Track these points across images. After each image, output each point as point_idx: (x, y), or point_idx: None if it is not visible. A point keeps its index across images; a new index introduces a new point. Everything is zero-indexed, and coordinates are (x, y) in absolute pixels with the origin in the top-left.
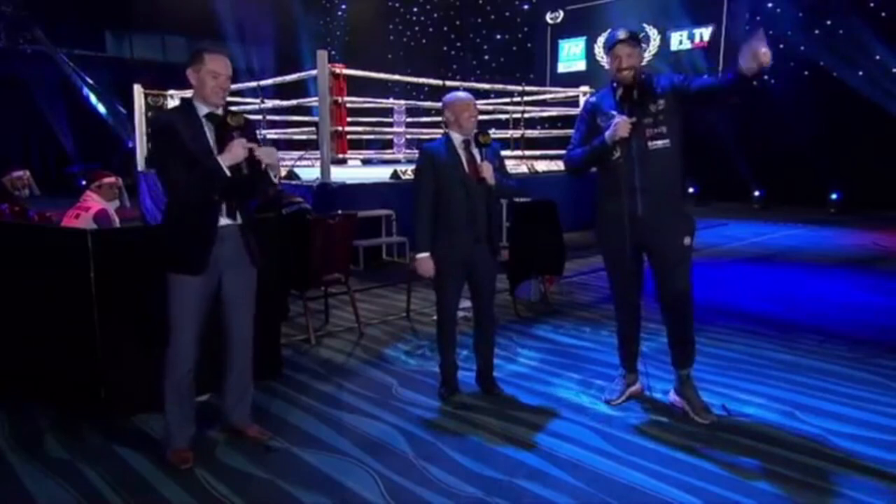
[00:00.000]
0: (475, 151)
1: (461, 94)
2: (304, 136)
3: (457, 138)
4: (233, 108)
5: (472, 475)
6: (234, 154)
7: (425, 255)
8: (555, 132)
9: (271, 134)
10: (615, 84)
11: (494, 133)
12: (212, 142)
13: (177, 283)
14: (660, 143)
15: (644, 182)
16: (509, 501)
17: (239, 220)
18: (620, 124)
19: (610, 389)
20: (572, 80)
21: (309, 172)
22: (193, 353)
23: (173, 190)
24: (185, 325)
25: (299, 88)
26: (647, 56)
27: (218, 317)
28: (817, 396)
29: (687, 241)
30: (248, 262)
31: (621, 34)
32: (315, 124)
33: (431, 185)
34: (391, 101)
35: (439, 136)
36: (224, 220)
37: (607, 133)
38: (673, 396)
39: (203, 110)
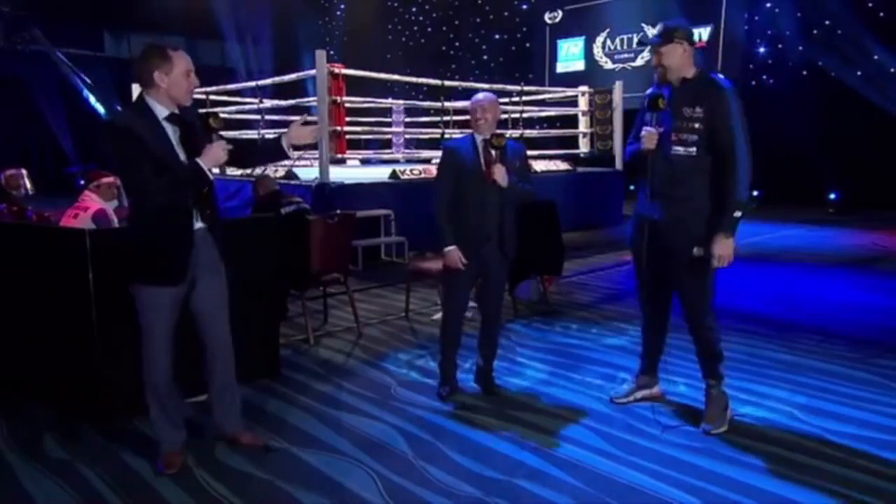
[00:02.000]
0: (492, 152)
1: (480, 95)
2: None
3: (478, 137)
4: (213, 110)
5: (472, 475)
6: (215, 157)
7: (452, 247)
8: (553, 132)
9: (270, 134)
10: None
11: None
12: (175, 144)
13: (149, 293)
14: (681, 149)
15: (661, 187)
16: (509, 501)
17: (207, 223)
18: (646, 137)
19: (618, 388)
20: (571, 79)
21: (308, 172)
22: (169, 361)
23: (145, 195)
24: (159, 335)
25: (298, 88)
26: (646, 56)
27: (195, 324)
28: (817, 396)
29: (697, 251)
30: (219, 265)
31: (655, 30)
32: (314, 124)
33: (451, 182)
34: (390, 100)
35: (437, 135)
36: (198, 224)
37: (641, 143)
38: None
39: (163, 112)
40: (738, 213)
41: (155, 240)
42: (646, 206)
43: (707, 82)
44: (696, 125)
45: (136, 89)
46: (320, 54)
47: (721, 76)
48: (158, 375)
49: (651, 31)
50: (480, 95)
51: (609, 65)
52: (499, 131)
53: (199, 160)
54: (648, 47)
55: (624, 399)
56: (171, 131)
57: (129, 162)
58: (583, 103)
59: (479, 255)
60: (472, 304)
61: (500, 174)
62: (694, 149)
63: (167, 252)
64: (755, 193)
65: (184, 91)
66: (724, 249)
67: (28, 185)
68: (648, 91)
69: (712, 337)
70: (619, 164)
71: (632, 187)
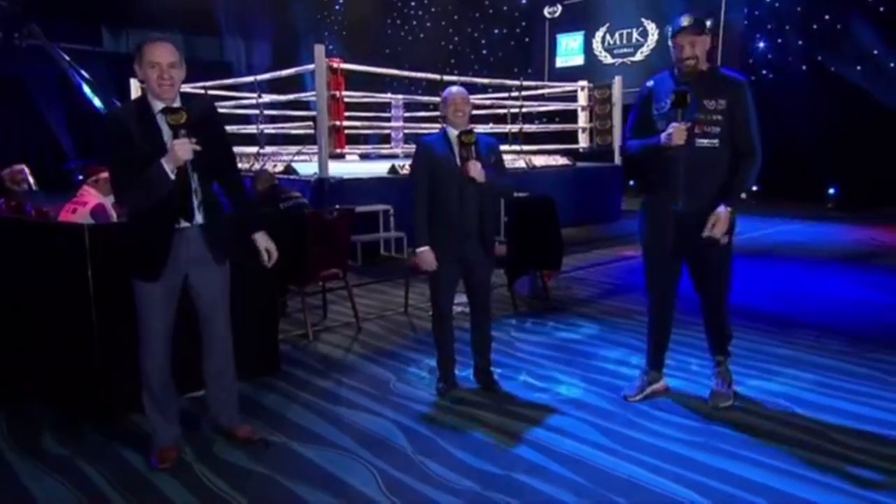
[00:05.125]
0: (466, 148)
1: (454, 88)
2: (301, 131)
3: (452, 133)
4: (176, 105)
5: (471, 470)
6: (175, 156)
7: (425, 248)
8: (553, 127)
9: (269, 129)
10: (676, 70)
11: (492, 128)
12: (167, 140)
13: (141, 285)
14: (706, 141)
15: (687, 179)
16: (508, 496)
17: (200, 220)
18: (675, 133)
19: (630, 386)
20: (570, 74)
21: (307, 167)
22: (163, 354)
23: (119, 196)
24: (150, 327)
25: (297, 83)
26: (645, 51)
27: (196, 317)
28: (816, 391)
29: (724, 240)
30: (217, 260)
31: (684, 21)
32: (313, 119)
33: (426, 179)
34: (389, 95)
35: (436, 130)
36: (184, 223)
37: (663, 137)
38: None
39: (157, 105)
40: (743, 196)
41: (136, 236)
42: (665, 197)
43: (723, 76)
44: (719, 117)
45: (134, 84)
46: (319, 49)
47: (730, 70)
48: (152, 369)
49: (651, 26)
50: (455, 89)
51: (608, 60)
52: (468, 127)
53: (162, 160)
54: (668, 39)
55: (639, 396)
56: (166, 126)
57: (112, 162)
58: (582, 98)
59: (461, 251)
60: (465, 298)
61: (475, 170)
62: (717, 140)
63: (146, 249)
64: (754, 189)
65: (154, 84)
66: (726, 224)
67: (31, 181)
68: (648, 83)
69: (727, 319)
70: (617, 160)
71: (630, 183)
